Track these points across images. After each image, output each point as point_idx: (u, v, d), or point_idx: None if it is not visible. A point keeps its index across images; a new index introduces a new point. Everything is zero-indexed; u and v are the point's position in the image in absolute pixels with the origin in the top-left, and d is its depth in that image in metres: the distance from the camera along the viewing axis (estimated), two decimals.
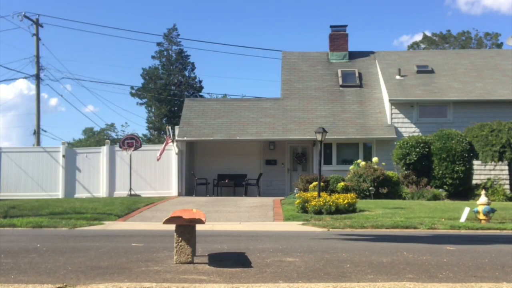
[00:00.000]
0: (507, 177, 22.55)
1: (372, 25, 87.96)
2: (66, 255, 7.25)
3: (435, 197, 19.99)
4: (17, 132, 70.93)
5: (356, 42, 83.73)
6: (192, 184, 25.25)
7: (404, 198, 20.18)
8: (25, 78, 41.55)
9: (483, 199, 13.99)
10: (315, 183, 19.65)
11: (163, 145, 24.58)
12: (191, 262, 6.31)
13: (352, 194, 16.90)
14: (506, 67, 27.68)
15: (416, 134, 23.84)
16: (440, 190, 20.74)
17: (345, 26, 30.40)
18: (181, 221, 6.27)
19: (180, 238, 6.32)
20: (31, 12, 43.02)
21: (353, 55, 30.04)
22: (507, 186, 22.19)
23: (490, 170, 23.76)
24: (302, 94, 27.36)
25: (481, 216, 13.75)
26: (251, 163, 26.50)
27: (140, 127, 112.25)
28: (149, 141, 53.83)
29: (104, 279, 5.48)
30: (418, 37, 74.62)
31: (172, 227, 6.44)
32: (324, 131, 17.39)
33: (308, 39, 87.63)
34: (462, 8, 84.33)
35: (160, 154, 24.38)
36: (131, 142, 24.84)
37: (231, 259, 6.96)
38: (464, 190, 21.34)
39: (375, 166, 21.18)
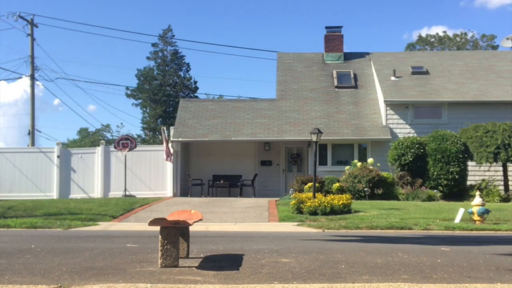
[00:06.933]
0: (502, 178, 22.61)
1: (367, 26, 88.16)
2: (60, 256, 7.23)
3: (430, 198, 20.03)
4: (11, 132, 70.73)
5: (351, 42, 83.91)
6: (187, 184, 25.20)
7: (399, 199, 20.21)
8: (20, 78, 41.30)
9: (477, 200, 14.03)
10: (310, 184, 19.67)
11: (164, 145, 24.45)
12: (177, 266, 6.25)
13: (347, 195, 16.93)
14: (501, 68, 27.77)
15: (411, 135, 23.89)
16: (435, 191, 20.78)
17: (340, 27, 30.46)
18: (165, 223, 6.17)
19: (166, 241, 6.19)
20: (26, 12, 42.96)
21: (348, 56, 30.09)
22: (502, 187, 22.25)
23: (484, 171, 23.83)
24: (297, 95, 27.37)
25: (476, 217, 13.79)
26: (246, 164, 26.48)
27: (135, 128, 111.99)
28: (144, 141, 53.76)
29: (99, 280, 5.47)
30: (414, 38, 74.81)
31: None
32: (319, 132, 17.39)
33: (304, 40, 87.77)
34: (460, 9, 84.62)
35: (168, 155, 24.23)
36: (126, 142, 24.77)
37: (226, 260, 6.96)
38: (458, 191, 21.39)
39: (370, 167, 21.21)
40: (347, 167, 22.30)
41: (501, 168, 22.77)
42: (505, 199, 20.81)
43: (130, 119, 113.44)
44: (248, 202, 19.77)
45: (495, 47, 52.01)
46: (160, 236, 6.19)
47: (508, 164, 22.27)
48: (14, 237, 10.69)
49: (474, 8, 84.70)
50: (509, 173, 22.45)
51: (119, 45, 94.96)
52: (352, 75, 28.15)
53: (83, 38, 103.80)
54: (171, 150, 24.51)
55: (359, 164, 21.63)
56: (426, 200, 19.82)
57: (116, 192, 24.45)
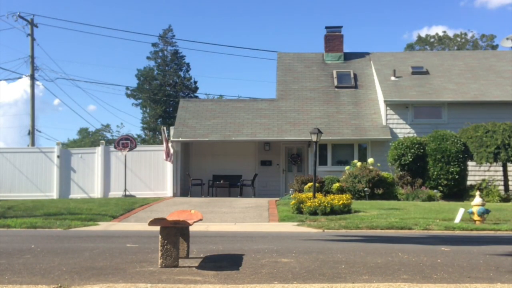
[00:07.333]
0: (502, 178, 22.61)
1: (367, 26, 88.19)
2: (60, 256, 7.23)
3: (430, 198, 20.02)
4: (11, 132, 70.74)
5: (351, 42, 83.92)
6: (187, 184, 25.20)
7: (399, 199, 20.20)
8: (20, 78, 41.31)
9: (477, 200, 14.03)
10: (310, 184, 19.66)
11: (164, 145, 24.43)
12: (177, 266, 6.25)
13: (347, 195, 16.92)
14: (501, 68, 27.77)
15: (411, 135, 23.88)
16: (435, 191, 20.78)
17: (340, 27, 30.46)
18: (165, 223, 6.16)
19: (166, 241, 6.18)
20: (26, 12, 42.95)
21: (348, 56, 30.08)
22: (502, 187, 22.25)
23: (484, 171, 23.82)
24: (297, 95, 27.37)
25: (476, 217, 13.79)
26: (246, 164, 26.47)
27: (135, 128, 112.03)
28: (144, 141, 53.76)
29: (99, 280, 5.47)
30: (414, 38, 74.76)
31: None
32: (319, 132, 17.39)
33: (304, 40, 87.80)
34: (460, 9, 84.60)
35: (168, 155, 24.20)
36: (126, 142, 24.76)
37: (226, 260, 6.96)
38: (458, 191, 21.38)
39: (370, 167, 21.20)
40: (347, 167, 22.29)
41: (501, 168, 22.77)
42: (505, 199, 20.81)
43: (130, 119, 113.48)
44: (248, 202, 19.76)
45: (495, 47, 52.00)
46: (160, 236, 6.18)
47: (508, 164, 22.27)
48: (14, 237, 10.69)
49: (474, 8, 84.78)
50: (509, 173, 22.45)
51: (119, 45, 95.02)
52: (352, 75, 28.15)
53: (83, 38, 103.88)
54: (171, 150, 24.50)
55: (359, 164, 21.63)
56: (426, 200, 19.81)
57: (116, 192, 24.45)
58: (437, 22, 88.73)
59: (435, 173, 21.31)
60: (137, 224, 14.42)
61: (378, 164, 22.38)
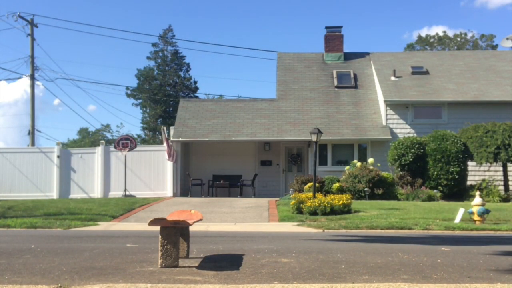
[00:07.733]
0: (502, 178, 22.60)
1: (367, 26, 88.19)
2: (60, 256, 7.23)
3: (430, 198, 20.02)
4: (11, 132, 70.72)
5: (351, 42, 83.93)
6: (187, 184, 25.20)
7: (399, 199, 20.21)
8: (20, 78, 41.31)
9: (477, 200, 14.03)
10: (310, 184, 19.66)
11: (165, 145, 24.37)
12: (177, 266, 6.25)
13: (347, 195, 16.93)
14: (501, 68, 27.77)
15: (411, 135, 23.88)
16: (435, 191, 20.78)
17: (340, 27, 30.46)
18: (165, 223, 6.16)
19: (166, 241, 6.18)
20: (26, 12, 42.95)
21: (348, 56, 30.08)
22: (502, 187, 22.25)
23: (484, 171, 23.82)
24: (297, 95, 27.37)
25: (476, 217, 13.79)
26: (246, 164, 26.47)
27: (135, 128, 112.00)
28: (144, 141, 53.75)
29: (99, 280, 5.47)
30: (414, 38, 74.76)
31: None
32: (319, 132, 17.39)
33: (304, 40, 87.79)
34: (460, 9, 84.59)
35: (170, 155, 24.13)
36: (126, 142, 24.75)
37: (226, 260, 6.96)
38: (458, 191, 21.38)
39: (370, 167, 21.21)
40: (347, 167, 22.29)
41: (501, 168, 22.76)
42: (505, 199, 20.81)
43: (130, 119, 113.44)
44: (248, 202, 19.76)
45: (495, 47, 52.01)
46: (160, 236, 6.18)
47: (508, 164, 22.27)
48: (14, 237, 10.69)
49: (474, 8, 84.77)
50: (509, 173, 22.45)
51: (119, 45, 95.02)
52: (352, 75, 28.15)
53: (83, 38, 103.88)
54: (172, 150, 24.46)
55: (358, 164, 21.64)
56: (426, 200, 19.81)
57: (116, 192, 24.45)
58: (437, 22, 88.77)
59: (435, 173, 21.31)
60: (137, 224, 14.42)
61: (378, 164, 22.38)
